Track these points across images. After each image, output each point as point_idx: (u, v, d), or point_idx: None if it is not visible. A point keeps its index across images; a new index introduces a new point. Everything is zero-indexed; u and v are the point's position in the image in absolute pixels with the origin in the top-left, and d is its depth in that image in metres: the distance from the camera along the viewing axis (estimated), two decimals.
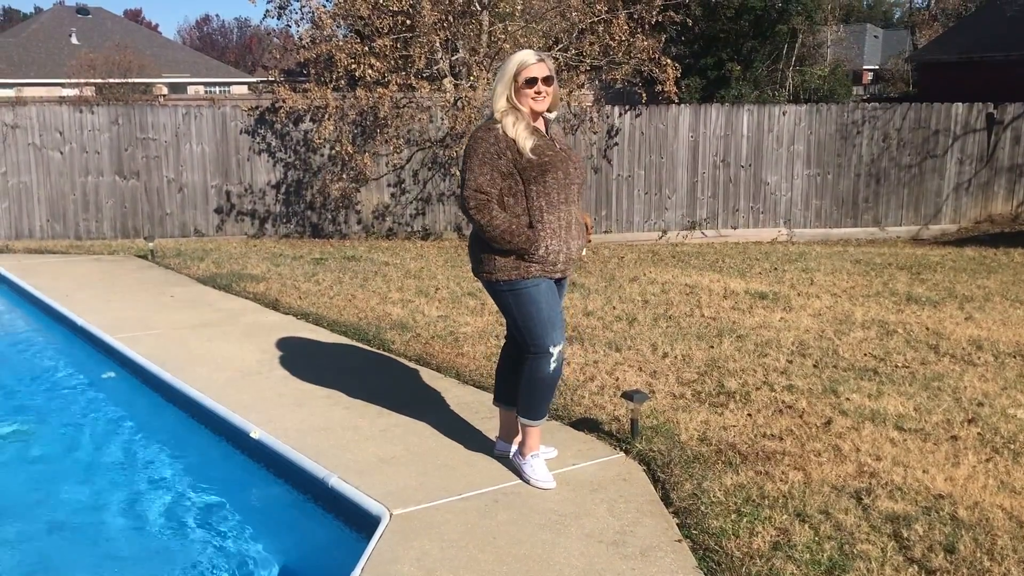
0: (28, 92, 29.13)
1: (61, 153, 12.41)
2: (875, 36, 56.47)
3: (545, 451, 4.20)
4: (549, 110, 3.98)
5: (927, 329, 7.02)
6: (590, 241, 4.20)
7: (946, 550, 3.46)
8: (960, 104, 14.83)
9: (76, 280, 9.05)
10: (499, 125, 3.82)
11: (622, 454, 4.38)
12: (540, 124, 3.95)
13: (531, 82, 3.84)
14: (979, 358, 6.19)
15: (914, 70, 33.35)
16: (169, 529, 4.21)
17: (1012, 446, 4.52)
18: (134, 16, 73.92)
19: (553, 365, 3.90)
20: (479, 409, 5.00)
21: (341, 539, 3.90)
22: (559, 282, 4.07)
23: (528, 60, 3.87)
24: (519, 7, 13.15)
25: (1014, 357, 6.23)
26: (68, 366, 6.71)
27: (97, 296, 8.20)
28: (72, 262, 10.33)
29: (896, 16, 67.01)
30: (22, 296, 8.63)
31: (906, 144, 14.71)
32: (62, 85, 32.16)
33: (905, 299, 8.28)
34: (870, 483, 4.04)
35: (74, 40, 43.07)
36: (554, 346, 3.88)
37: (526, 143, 3.80)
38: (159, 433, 5.34)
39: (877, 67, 50.63)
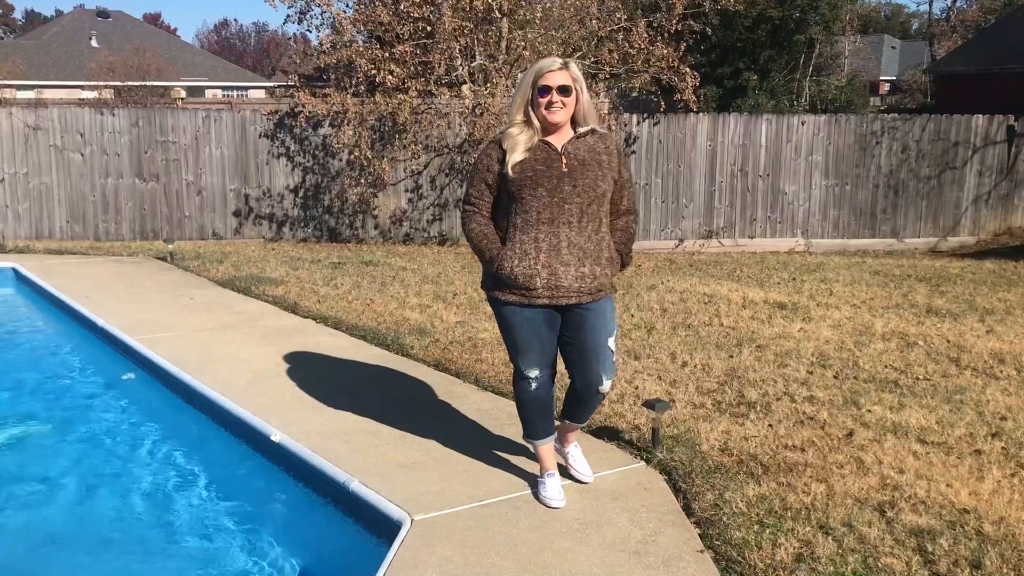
0: (48, 94, 29.40)
1: (82, 155, 12.50)
2: (892, 47, 56.31)
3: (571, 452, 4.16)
4: (576, 122, 3.71)
5: (948, 342, 6.98)
6: (618, 271, 3.86)
7: (972, 565, 3.43)
8: (980, 116, 14.74)
9: (96, 281, 9.10)
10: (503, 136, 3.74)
11: (643, 463, 4.36)
12: (560, 137, 3.69)
13: (544, 91, 3.61)
14: (1001, 372, 6.14)
15: (932, 81, 33.21)
16: (189, 530, 4.22)
17: None
18: (153, 19, 74.46)
19: (533, 386, 3.85)
20: (498, 416, 5.00)
21: (362, 544, 3.89)
22: (566, 311, 3.76)
23: (545, 68, 3.63)
24: (539, 15, 13.17)
25: None
26: (88, 366, 6.75)
27: (117, 297, 8.25)
28: (92, 263, 10.39)
29: (914, 27, 66.76)
30: (43, 296, 8.68)
31: (925, 155, 14.63)
32: (81, 87, 32.42)
33: (925, 311, 8.23)
34: (893, 496, 4.01)
35: (94, 43, 43.45)
36: (528, 370, 3.83)
37: (513, 157, 3.64)
38: (179, 434, 5.36)
39: (894, 78, 50.47)
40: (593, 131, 3.75)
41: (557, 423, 4.15)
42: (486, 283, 3.87)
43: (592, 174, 3.68)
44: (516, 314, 3.76)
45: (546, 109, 3.62)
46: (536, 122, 3.66)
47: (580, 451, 4.18)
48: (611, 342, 3.81)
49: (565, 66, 3.65)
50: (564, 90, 3.62)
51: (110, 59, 31.25)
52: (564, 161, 3.66)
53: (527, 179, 3.64)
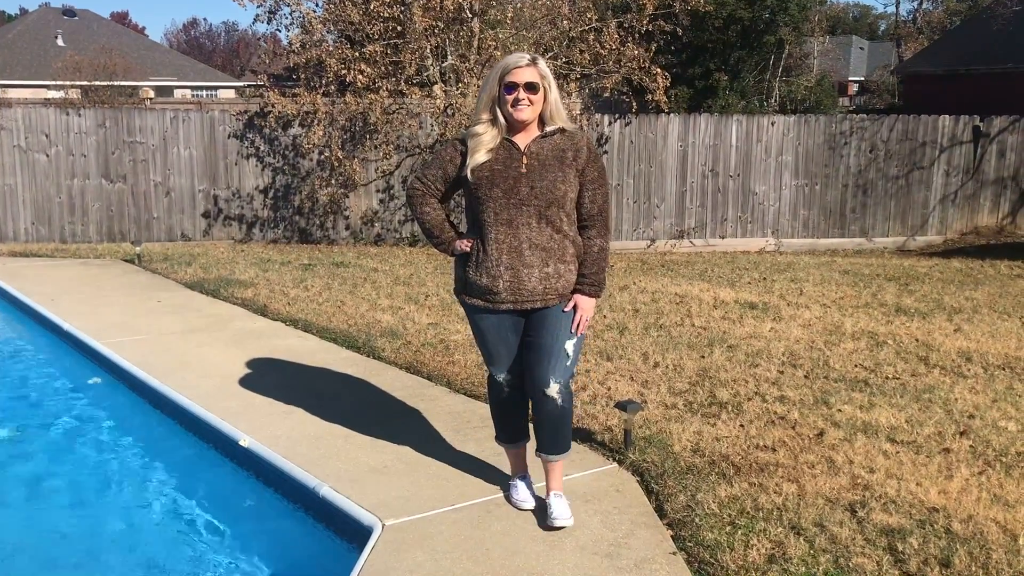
0: (12, 93, 28.92)
1: (47, 156, 12.30)
2: (861, 48, 56.93)
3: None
4: (544, 121, 3.59)
5: (916, 341, 7.04)
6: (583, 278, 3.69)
7: (941, 564, 3.45)
8: (947, 116, 14.94)
9: (62, 284, 8.96)
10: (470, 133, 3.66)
11: (615, 464, 4.36)
12: (526, 136, 3.59)
13: (510, 88, 3.48)
14: (969, 370, 6.21)
15: (900, 82, 33.60)
16: (155, 538, 4.15)
17: (1004, 459, 4.52)
18: (121, 19, 73.54)
19: (505, 389, 3.83)
20: (470, 419, 4.97)
21: (332, 550, 3.85)
22: (530, 315, 3.65)
23: (512, 64, 3.50)
24: (509, 15, 13.14)
25: (1003, 369, 6.25)
26: (53, 371, 6.63)
27: (83, 300, 8.12)
28: (58, 266, 10.23)
29: (882, 28, 67.54)
30: (6, 300, 8.53)
31: (893, 155, 14.79)
32: (47, 87, 31.92)
33: (894, 310, 8.30)
34: (864, 496, 4.03)
35: (60, 42, 42.81)
36: (498, 373, 3.81)
37: (474, 159, 3.56)
38: (145, 440, 5.28)
39: (863, 79, 51.04)
40: (562, 130, 3.62)
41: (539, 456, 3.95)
42: (457, 287, 3.84)
43: (552, 176, 3.54)
44: (483, 319, 3.72)
45: (512, 106, 3.51)
46: (502, 120, 3.56)
47: (564, 501, 3.74)
48: (569, 345, 3.62)
49: (533, 62, 3.52)
50: (531, 87, 3.49)
51: (76, 58, 30.67)
52: (524, 161, 3.54)
53: (484, 178, 3.56)
